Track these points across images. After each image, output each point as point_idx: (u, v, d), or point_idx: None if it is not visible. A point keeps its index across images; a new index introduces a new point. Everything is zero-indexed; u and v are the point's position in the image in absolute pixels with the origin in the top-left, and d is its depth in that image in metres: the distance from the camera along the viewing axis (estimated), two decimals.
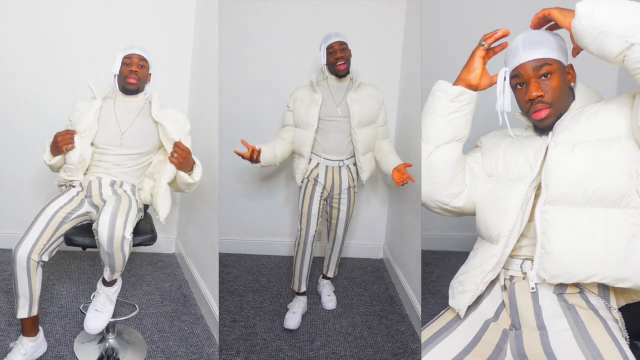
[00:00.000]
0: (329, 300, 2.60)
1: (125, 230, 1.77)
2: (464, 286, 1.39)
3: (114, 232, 1.75)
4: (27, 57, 2.70)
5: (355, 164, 2.43)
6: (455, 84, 1.36)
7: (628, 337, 1.29)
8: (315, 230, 2.40)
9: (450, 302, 1.42)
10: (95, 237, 1.78)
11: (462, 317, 1.37)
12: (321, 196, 2.40)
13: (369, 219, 3.14)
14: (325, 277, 2.68)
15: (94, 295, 1.99)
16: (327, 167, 2.39)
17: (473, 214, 1.47)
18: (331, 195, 2.43)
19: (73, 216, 1.91)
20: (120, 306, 2.28)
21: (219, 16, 2.49)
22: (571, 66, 1.34)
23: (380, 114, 2.41)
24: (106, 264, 1.83)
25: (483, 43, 1.34)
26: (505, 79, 1.34)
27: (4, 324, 2.18)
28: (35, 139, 2.68)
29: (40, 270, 1.84)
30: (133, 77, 1.99)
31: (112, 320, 2.03)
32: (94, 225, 1.79)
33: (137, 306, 2.22)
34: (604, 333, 1.20)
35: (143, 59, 2.02)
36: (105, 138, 1.99)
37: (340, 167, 2.39)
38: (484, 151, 1.49)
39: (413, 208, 2.65)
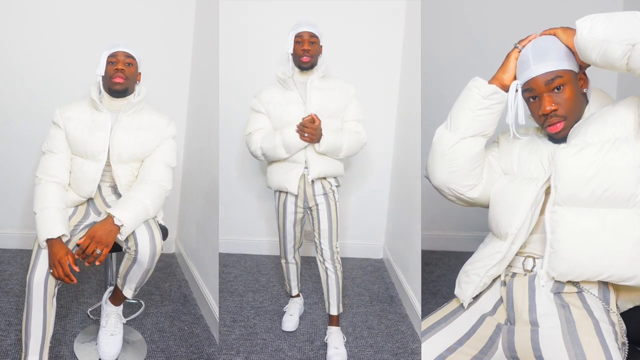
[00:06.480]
0: (335, 353, 2.12)
1: (162, 242, 1.73)
2: (468, 277, 1.43)
3: (156, 248, 1.70)
4: (27, 57, 2.70)
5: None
6: (490, 82, 1.39)
7: (627, 342, 1.29)
8: (294, 245, 2.27)
9: (456, 291, 1.46)
10: (131, 256, 1.71)
11: (465, 307, 1.42)
12: (296, 207, 2.16)
13: (369, 219, 3.15)
14: (332, 320, 2.23)
15: (104, 320, 1.93)
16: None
17: (486, 206, 1.50)
18: (306, 205, 2.17)
19: (81, 227, 1.83)
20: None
21: (219, 16, 2.49)
22: (583, 72, 1.35)
23: (350, 109, 2.13)
24: (134, 281, 1.77)
25: (518, 45, 1.37)
26: (517, 91, 1.35)
27: (3, 324, 2.18)
28: (35, 138, 2.69)
29: (55, 302, 1.71)
30: (119, 76, 1.79)
31: (126, 319, 2.02)
32: (129, 244, 1.71)
33: (142, 302, 2.18)
34: (593, 334, 1.22)
35: (130, 56, 1.84)
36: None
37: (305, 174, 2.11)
38: (500, 149, 1.53)
39: (413, 208, 2.65)
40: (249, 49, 2.89)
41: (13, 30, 2.67)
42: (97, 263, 1.67)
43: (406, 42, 2.86)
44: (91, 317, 2.03)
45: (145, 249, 1.68)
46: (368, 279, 2.93)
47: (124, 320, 2.00)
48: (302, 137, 2.00)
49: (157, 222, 1.88)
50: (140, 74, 1.94)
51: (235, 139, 2.95)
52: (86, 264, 1.68)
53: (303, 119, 2.00)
